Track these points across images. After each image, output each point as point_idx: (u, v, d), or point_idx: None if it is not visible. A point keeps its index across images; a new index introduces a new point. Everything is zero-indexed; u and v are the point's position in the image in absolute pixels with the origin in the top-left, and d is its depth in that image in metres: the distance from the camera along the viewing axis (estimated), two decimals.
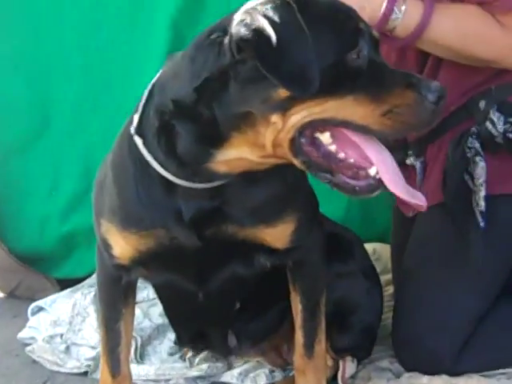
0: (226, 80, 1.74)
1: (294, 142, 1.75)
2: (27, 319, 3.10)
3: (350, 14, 1.78)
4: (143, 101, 1.95)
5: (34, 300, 3.24)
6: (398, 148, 2.69)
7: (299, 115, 1.72)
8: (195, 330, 2.45)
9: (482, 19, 2.33)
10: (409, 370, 2.52)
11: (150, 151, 1.90)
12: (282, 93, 1.69)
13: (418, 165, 2.65)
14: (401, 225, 2.89)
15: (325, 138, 1.77)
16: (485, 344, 2.48)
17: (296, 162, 1.79)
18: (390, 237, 3.15)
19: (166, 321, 2.89)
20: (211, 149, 1.82)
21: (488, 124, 2.41)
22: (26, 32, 3.44)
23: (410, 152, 2.68)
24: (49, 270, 3.55)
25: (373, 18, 2.18)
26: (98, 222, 2.07)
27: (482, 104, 2.43)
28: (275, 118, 1.72)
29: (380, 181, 1.77)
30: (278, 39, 1.63)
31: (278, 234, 2.04)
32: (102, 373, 2.23)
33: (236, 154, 1.82)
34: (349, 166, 1.78)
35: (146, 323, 2.93)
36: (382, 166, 1.77)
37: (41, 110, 3.49)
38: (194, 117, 1.80)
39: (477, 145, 2.39)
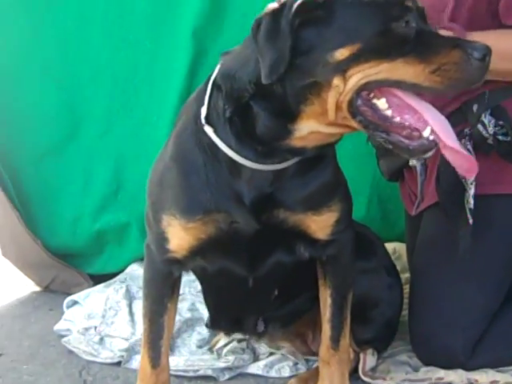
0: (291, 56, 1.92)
1: (351, 104, 1.92)
2: (62, 312, 3.24)
3: None
4: (207, 94, 2.09)
5: (69, 294, 3.38)
6: None
7: (356, 77, 1.89)
8: (231, 315, 2.55)
9: None
10: (426, 364, 2.63)
11: (220, 138, 2.06)
12: (337, 55, 1.88)
13: (418, 166, 2.76)
14: (410, 224, 3.00)
15: (381, 103, 1.94)
16: (499, 340, 2.58)
17: (354, 123, 1.95)
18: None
19: (195, 315, 3.05)
20: (288, 124, 1.99)
21: (479, 126, 2.53)
22: (55, 38, 3.57)
23: None
24: (82, 265, 3.68)
25: None
26: (158, 218, 2.18)
27: (475, 107, 2.54)
28: (336, 80, 1.90)
29: (433, 142, 1.93)
30: (259, 36, 1.90)
31: (322, 223, 2.19)
32: (142, 363, 2.34)
33: (308, 128, 1.99)
34: (403, 127, 1.94)
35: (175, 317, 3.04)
36: (438, 125, 1.94)
37: (71, 114, 3.62)
38: (269, 96, 1.98)
39: (469, 146, 2.51)
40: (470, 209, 2.48)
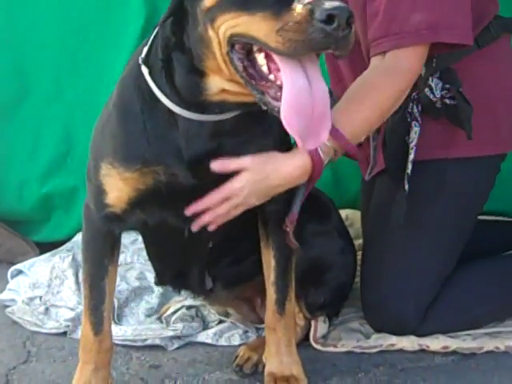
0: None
1: (229, 57, 1.82)
2: (7, 282, 3.15)
3: None
4: (152, 35, 2.02)
5: (14, 264, 3.28)
6: None
7: (223, 28, 1.79)
8: (175, 269, 2.47)
9: (382, 84, 2.26)
10: (377, 330, 2.61)
11: (155, 83, 1.99)
12: (205, 3, 1.80)
13: None
14: (365, 190, 2.97)
15: (260, 58, 1.81)
16: (450, 306, 2.57)
17: (239, 79, 1.84)
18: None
19: (143, 284, 3.00)
20: (198, 81, 1.92)
21: (427, 90, 2.48)
22: (2, 1, 3.47)
23: None
24: (28, 233, 3.61)
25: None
26: (97, 167, 2.09)
27: (423, 71, 2.45)
28: (210, 32, 1.81)
29: None
30: None
31: None
32: (84, 330, 2.27)
33: (216, 86, 1.91)
34: (271, 87, 1.80)
35: (123, 286, 2.98)
36: (285, 89, 1.76)
37: (20, 77, 3.54)
38: (183, 48, 1.92)
39: (415, 110, 2.47)
40: (407, 174, 2.45)
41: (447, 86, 2.47)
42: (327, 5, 1.66)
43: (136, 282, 3.02)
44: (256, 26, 1.73)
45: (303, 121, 1.77)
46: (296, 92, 1.76)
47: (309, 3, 1.68)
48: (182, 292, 2.65)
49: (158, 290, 2.96)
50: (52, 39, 3.49)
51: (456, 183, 2.58)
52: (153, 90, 1.99)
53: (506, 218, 3.26)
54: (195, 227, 2.09)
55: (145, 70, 1.99)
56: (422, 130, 2.48)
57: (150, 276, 3.03)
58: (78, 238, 3.41)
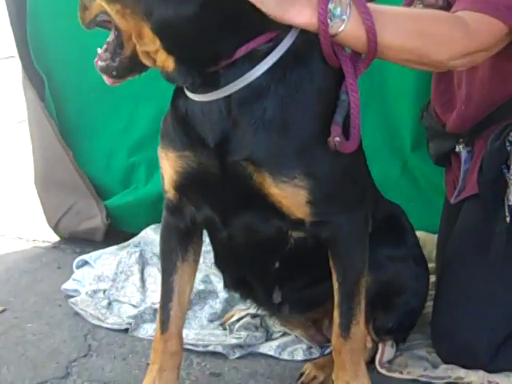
0: None
1: None
2: (71, 271, 3.15)
3: None
4: None
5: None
6: (450, 136, 2.72)
7: None
8: (238, 275, 2.40)
9: (443, 19, 2.12)
10: (445, 361, 2.52)
11: None
12: None
13: (464, 153, 2.65)
14: (448, 213, 2.88)
15: None
16: None
17: None
18: (433, 226, 3.13)
19: (208, 287, 2.96)
20: None
21: None
22: None
23: (461, 140, 2.68)
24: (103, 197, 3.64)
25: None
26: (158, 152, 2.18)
27: None
28: None
29: None
30: None
31: (290, 200, 2.01)
32: (157, 324, 2.25)
33: None
34: None
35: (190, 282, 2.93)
36: None
37: None
38: None
39: None
40: (509, 206, 2.35)
41: None
42: None
43: (201, 285, 2.96)
44: None
45: None
46: None
47: None
48: (248, 301, 2.59)
49: (222, 295, 2.90)
50: None
51: None
52: None
53: None
54: None
55: None
56: None
57: (216, 280, 2.98)
58: (146, 233, 3.38)
